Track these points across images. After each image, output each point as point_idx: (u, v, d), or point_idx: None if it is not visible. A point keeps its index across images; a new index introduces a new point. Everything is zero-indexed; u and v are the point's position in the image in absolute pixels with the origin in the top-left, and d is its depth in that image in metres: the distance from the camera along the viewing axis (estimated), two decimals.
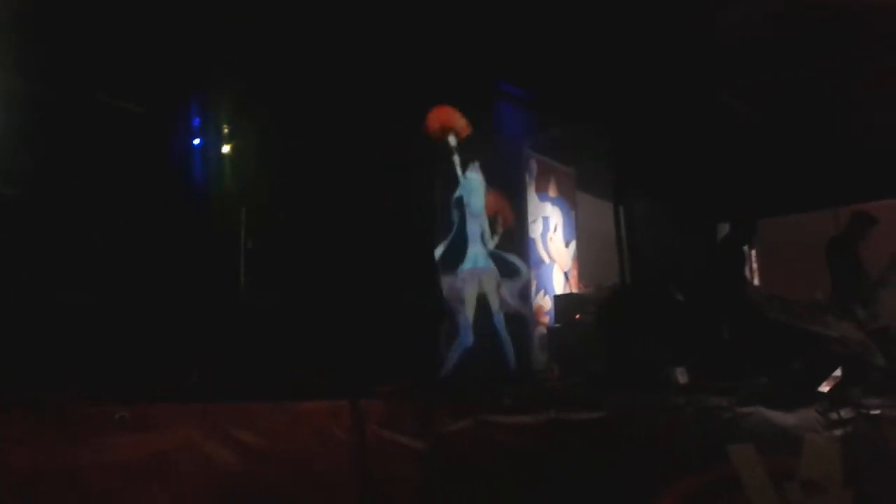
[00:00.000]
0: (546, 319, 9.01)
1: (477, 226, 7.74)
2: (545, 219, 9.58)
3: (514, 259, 7.93)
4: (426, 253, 5.35)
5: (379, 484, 2.40)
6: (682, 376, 4.33)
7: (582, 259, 10.08)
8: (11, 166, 3.23)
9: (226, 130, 5.65)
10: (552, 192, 9.79)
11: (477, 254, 7.64)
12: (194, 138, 5.53)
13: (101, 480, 1.89)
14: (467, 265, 7.53)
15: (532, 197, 9.37)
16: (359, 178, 5.12)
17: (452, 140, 7.67)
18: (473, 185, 7.86)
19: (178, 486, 2.02)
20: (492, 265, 7.65)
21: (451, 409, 2.73)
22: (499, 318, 7.44)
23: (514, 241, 8.58)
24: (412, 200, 5.46)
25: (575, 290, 9.44)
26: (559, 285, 9.50)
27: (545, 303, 9.18)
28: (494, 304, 7.48)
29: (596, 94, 8.59)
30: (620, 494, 3.01)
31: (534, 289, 9.06)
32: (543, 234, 9.51)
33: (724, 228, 10.26)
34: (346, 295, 4.38)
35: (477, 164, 7.93)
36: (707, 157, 9.29)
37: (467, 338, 6.95)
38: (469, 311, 7.20)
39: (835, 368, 4.99)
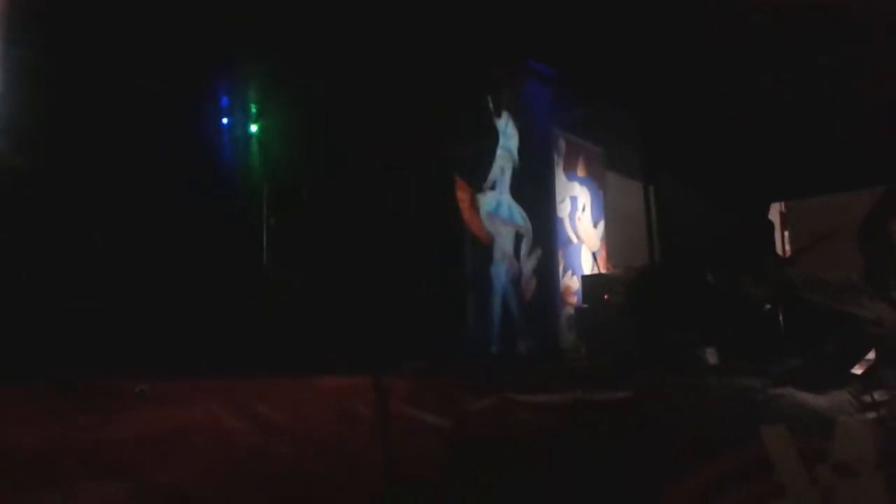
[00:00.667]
0: (574, 300, 8.93)
1: (509, 173, 7.72)
2: (573, 198, 9.48)
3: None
4: (451, 229, 5.31)
5: (402, 461, 2.38)
6: (712, 357, 4.25)
7: (611, 239, 9.96)
8: (33, 145, 3.22)
9: (253, 109, 5.62)
10: (580, 172, 9.67)
11: (510, 204, 7.62)
12: (222, 117, 5.51)
13: (121, 455, 1.88)
14: (502, 211, 7.50)
15: (560, 176, 9.26)
16: (383, 154, 5.08)
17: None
18: (508, 133, 7.83)
19: (199, 461, 2.01)
20: (527, 223, 7.64)
21: (476, 386, 2.70)
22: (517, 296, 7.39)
23: (540, 220, 8.51)
24: (437, 176, 5.43)
25: (603, 271, 9.34)
26: (587, 266, 9.40)
27: (573, 283, 9.10)
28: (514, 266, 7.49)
29: (625, 73, 8.48)
30: (647, 475, 2.96)
31: (561, 269, 8.99)
32: (571, 214, 9.41)
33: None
34: (370, 271, 4.36)
35: (508, 113, 7.88)
36: (738, 136, 9.13)
37: (504, 286, 6.93)
38: (506, 261, 7.19)
39: (869, 350, 4.88)
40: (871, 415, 4.09)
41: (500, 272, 7.09)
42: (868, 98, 8.82)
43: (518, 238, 7.76)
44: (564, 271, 9.09)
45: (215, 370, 2.19)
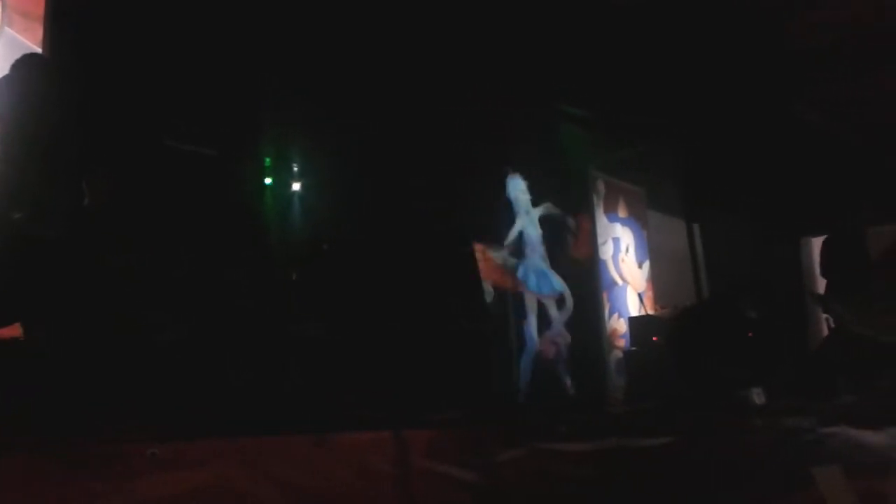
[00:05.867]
0: (622, 343, 8.77)
1: (533, 235, 7.46)
2: (616, 240, 9.37)
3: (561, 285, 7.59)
4: (475, 277, 5.25)
5: None
6: (758, 397, 4.09)
7: (657, 279, 9.80)
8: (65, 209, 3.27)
9: (294, 169, 5.67)
10: (622, 213, 9.58)
11: (541, 271, 7.29)
12: (265, 178, 5.57)
13: None
14: (530, 282, 7.18)
15: (601, 218, 9.18)
16: (406, 208, 5.10)
17: None
18: (520, 195, 7.62)
19: None
20: (555, 289, 7.27)
21: (503, 436, 2.62)
22: (553, 347, 7.09)
23: (582, 263, 8.41)
24: (462, 222, 5.43)
25: (650, 312, 9.17)
26: (634, 308, 9.25)
27: (620, 326, 8.94)
28: (547, 333, 7.11)
29: (663, 111, 8.41)
30: None
31: (607, 311, 8.85)
32: (615, 256, 9.30)
33: (807, 242, 9.93)
34: (392, 322, 4.33)
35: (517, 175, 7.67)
36: (782, 170, 8.96)
37: (532, 345, 6.61)
38: (532, 319, 6.85)
39: None
40: None
41: (531, 325, 6.83)
42: None
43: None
44: (611, 314, 8.94)
45: (229, 429, 2.15)
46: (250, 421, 2.40)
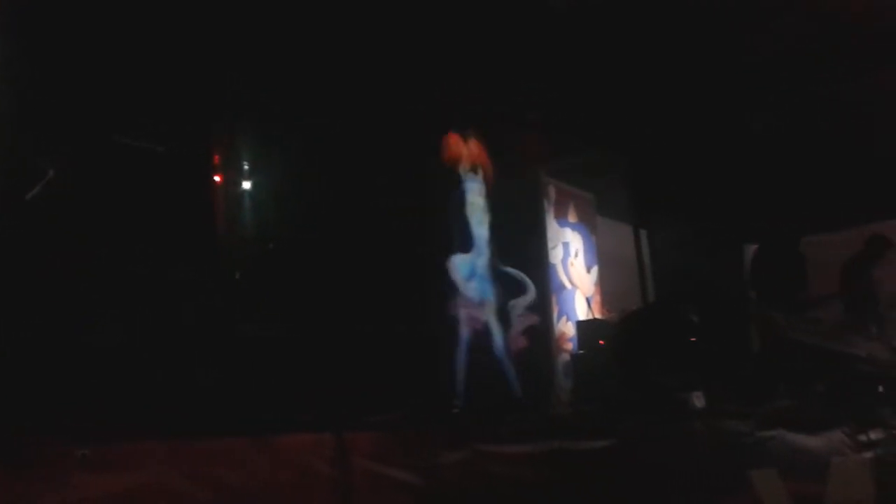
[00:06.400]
0: (570, 346, 8.83)
1: (480, 237, 7.18)
2: (565, 244, 9.43)
3: (517, 274, 7.32)
4: (423, 280, 5.23)
5: None
6: (698, 400, 4.15)
7: (605, 284, 9.89)
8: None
9: (245, 167, 5.58)
10: (571, 218, 9.64)
11: (483, 275, 6.98)
12: (214, 175, 5.46)
13: None
14: (471, 289, 6.87)
15: (551, 223, 9.23)
16: (351, 209, 5.06)
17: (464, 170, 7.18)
18: (473, 192, 7.36)
19: None
20: (492, 295, 6.96)
21: (446, 439, 2.62)
22: (501, 348, 6.90)
23: (532, 267, 8.43)
24: (413, 225, 5.40)
25: (598, 316, 9.25)
26: (582, 311, 9.32)
27: (568, 329, 9.01)
28: (497, 335, 6.88)
29: (613, 118, 8.50)
30: None
31: (556, 315, 8.90)
32: (564, 260, 9.35)
33: (750, 249, 10.13)
34: (338, 323, 4.30)
35: (475, 175, 7.37)
36: (729, 177, 9.12)
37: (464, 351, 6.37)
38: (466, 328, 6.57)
39: (862, 389, 4.78)
40: (868, 455, 3.99)
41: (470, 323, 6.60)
42: (859, 134, 8.80)
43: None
44: (559, 317, 8.99)
45: (168, 431, 2.11)
46: (187, 422, 2.36)
